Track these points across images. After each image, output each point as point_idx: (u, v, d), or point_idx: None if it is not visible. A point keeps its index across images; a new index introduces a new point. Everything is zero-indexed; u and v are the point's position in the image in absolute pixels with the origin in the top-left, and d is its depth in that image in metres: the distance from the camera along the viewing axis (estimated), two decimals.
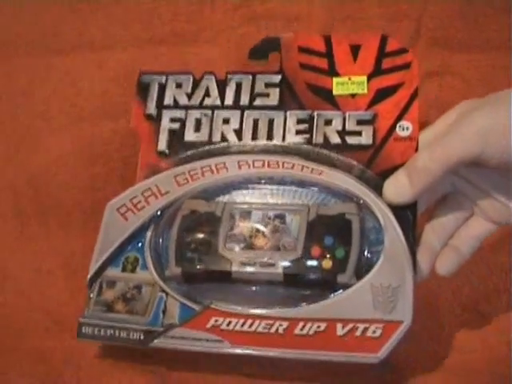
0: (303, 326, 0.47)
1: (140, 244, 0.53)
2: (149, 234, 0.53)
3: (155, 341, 0.49)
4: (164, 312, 0.50)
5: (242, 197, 0.54)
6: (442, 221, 0.53)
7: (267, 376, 0.52)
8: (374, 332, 0.46)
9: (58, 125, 0.63)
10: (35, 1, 0.67)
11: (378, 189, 0.52)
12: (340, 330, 0.47)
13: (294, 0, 0.63)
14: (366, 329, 0.46)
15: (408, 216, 0.51)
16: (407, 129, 0.53)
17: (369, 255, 0.50)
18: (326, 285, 0.48)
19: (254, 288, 0.50)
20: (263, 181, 0.54)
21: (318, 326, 0.47)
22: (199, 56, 0.65)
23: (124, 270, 0.53)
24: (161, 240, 0.53)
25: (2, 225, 0.60)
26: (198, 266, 0.51)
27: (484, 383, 0.49)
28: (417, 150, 0.53)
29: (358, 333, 0.46)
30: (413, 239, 0.50)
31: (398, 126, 0.54)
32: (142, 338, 0.49)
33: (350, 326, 0.47)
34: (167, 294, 0.51)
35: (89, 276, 0.52)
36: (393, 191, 0.50)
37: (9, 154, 0.63)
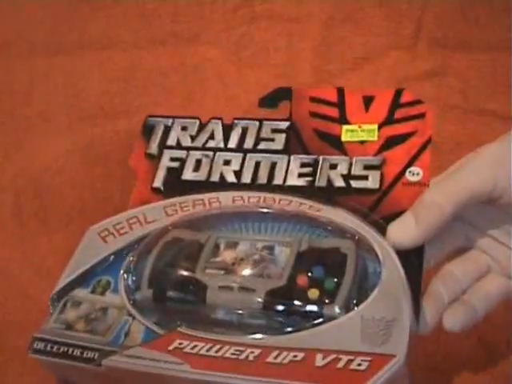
0: (277, 355, 0.41)
1: (116, 268, 0.49)
2: (127, 259, 0.49)
3: (108, 358, 0.42)
4: (126, 334, 0.44)
5: (233, 231, 0.50)
6: (454, 273, 0.47)
7: None
8: (360, 365, 0.39)
9: (58, 125, 0.63)
10: (35, 1, 0.68)
11: (381, 231, 0.47)
12: (319, 361, 0.40)
13: (294, 0, 0.63)
14: (349, 361, 0.39)
15: (413, 261, 0.45)
16: (417, 174, 0.50)
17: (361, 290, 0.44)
18: (311, 316, 0.42)
19: (229, 314, 0.44)
20: (256, 214, 0.50)
21: (295, 356, 0.40)
22: (199, 56, 0.64)
23: (93, 292, 0.48)
24: (138, 265, 0.49)
25: (2, 224, 0.59)
26: (171, 288, 0.45)
27: (484, 383, 0.47)
28: None
29: (339, 364, 0.39)
30: (418, 285, 0.44)
31: (407, 171, 0.50)
32: (95, 357, 0.43)
33: (332, 356, 0.40)
34: (134, 317, 0.45)
35: (53, 292, 0.47)
36: (396, 230, 0.45)
37: (9, 153, 0.63)
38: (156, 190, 0.54)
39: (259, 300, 0.44)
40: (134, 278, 0.48)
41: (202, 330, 0.43)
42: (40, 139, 0.63)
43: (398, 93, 0.54)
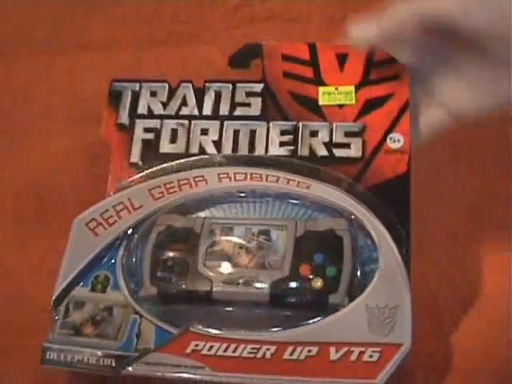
0: (293, 351, 0.43)
1: (111, 262, 0.49)
2: (121, 251, 0.49)
3: (129, 368, 0.44)
4: (138, 336, 0.45)
5: (223, 212, 0.50)
6: None
7: None
8: (371, 356, 0.42)
9: (58, 125, 0.62)
10: (35, 1, 0.67)
11: (368, 204, 0.49)
12: (333, 355, 0.43)
13: (294, 0, 0.61)
14: (361, 353, 0.42)
15: (401, 232, 0.47)
16: (398, 141, 0.50)
17: (361, 274, 0.46)
18: (317, 306, 0.45)
19: (237, 309, 0.46)
20: (244, 194, 0.50)
21: (309, 350, 0.43)
22: (199, 56, 0.63)
23: (93, 289, 0.48)
24: (134, 258, 0.49)
25: (2, 224, 0.59)
26: (176, 286, 0.46)
27: (484, 383, 0.48)
28: (409, 162, 0.50)
29: (353, 357, 0.42)
30: (407, 255, 0.46)
31: (388, 138, 0.50)
32: (113, 364, 0.44)
33: (345, 349, 0.43)
34: (141, 316, 0.46)
35: (53, 297, 0.47)
36: (357, 28, 0.46)
37: (9, 153, 0.62)
38: (134, 166, 0.53)
39: (265, 293, 0.45)
40: (133, 273, 0.48)
41: (215, 328, 0.45)
42: (40, 139, 0.61)
43: (372, 50, 0.53)
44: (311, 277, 0.45)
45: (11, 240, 0.58)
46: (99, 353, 0.45)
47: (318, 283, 0.45)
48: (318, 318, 0.45)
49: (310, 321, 0.45)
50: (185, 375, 0.43)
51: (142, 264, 0.48)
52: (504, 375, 0.47)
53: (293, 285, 0.45)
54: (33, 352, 0.46)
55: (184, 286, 0.46)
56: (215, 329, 0.45)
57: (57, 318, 0.47)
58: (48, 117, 0.63)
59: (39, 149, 0.61)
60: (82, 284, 0.48)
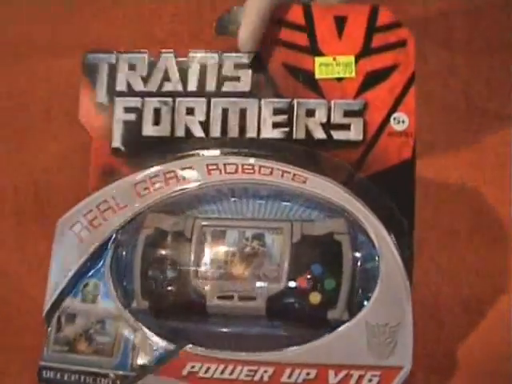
0: (291, 373, 0.42)
1: (100, 269, 0.46)
2: (109, 256, 0.46)
3: None
4: (133, 349, 0.44)
5: (216, 208, 0.47)
6: None
7: None
8: (371, 380, 0.41)
9: (58, 125, 0.62)
10: (35, 1, 0.68)
11: (369, 195, 0.45)
12: (332, 378, 0.42)
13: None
14: (361, 377, 0.42)
15: (403, 224, 0.44)
16: (403, 122, 0.46)
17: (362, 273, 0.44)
18: (315, 322, 0.43)
19: (233, 325, 0.44)
20: (236, 193, 0.46)
21: (308, 373, 0.42)
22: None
23: (84, 300, 0.46)
24: (124, 263, 0.46)
25: (2, 224, 0.59)
26: (168, 301, 0.44)
27: (484, 383, 0.48)
28: (414, 146, 0.46)
29: (352, 381, 0.42)
30: (410, 251, 0.44)
31: (392, 118, 0.46)
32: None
33: (344, 372, 0.42)
34: (135, 329, 0.45)
35: (44, 312, 0.45)
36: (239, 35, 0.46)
37: (9, 153, 0.62)
38: (116, 151, 0.49)
39: (261, 307, 0.44)
40: (123, 280, 0.46)
41: (210, 348, 0.44)
42: (40, 139, 0.61)
43: (374, 11, 0.47)
44: (309, 291, 0.43)
45: (10, 240, 0.58)
46: (96, 372, 0.44)
47: (316, 298, 0.43)
48: (318, 337, 0.43)
49: (310, 339, 0.43)
50: None
51: (133, 272, 0.46)
52: (504, 375, 0.47)
53: (290, 300, 0.43)
54: (33, 352, 0.46)
55: (177, 301, 0.44)
56: (212, 347, 0.43)
57: (50, 330, 0.45)
58: (48, 117, 0.63)
59: (39, 149, 0.61)
60: (72, 294, 0.46)
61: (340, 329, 0.43)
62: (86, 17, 0.66)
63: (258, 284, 0.44)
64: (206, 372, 0.43)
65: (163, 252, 0.46)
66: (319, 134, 0.47)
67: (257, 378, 0.42)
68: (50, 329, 0.46)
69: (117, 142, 0.49)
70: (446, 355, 0.48)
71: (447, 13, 0.57)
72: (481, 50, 0.56)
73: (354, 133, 0.46)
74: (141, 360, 0.44)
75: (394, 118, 0.46)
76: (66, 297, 0.46)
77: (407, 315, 0.42)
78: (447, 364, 0.48)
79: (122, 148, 0.49)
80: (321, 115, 0.47)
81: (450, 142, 0.54)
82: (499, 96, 0.54)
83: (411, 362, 0.41)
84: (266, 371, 0.42)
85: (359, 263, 0.44)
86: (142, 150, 0.48)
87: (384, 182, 0.46)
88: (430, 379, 0.48)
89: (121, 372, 0.44)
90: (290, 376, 0.42)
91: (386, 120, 0.46)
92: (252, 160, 0.46)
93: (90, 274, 0.47)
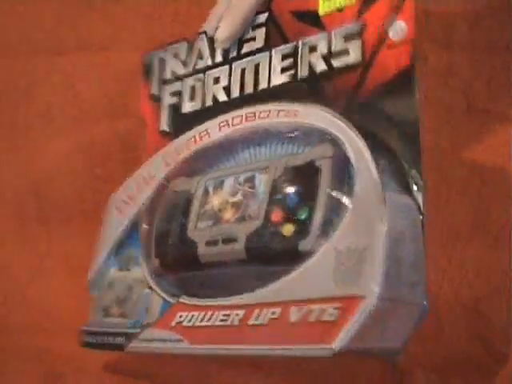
0: (258, 315, 0.37)
1: (136, 238, 0.48)
2: (142, 225, 0.48)
3: (130, 345, 0.43)
4: (147, 310, 0.44)
5: (224, 165, 0.46)
6: None
7: None
8: (331, 315, 0.34)
9: (58, 125, 0.62)
10: (35, 1, 0.67)
11: (369, 113, 0.40)
12: (294, 315, 0.36)
13: None
14: (322, 311, 0.35)
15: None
16: (401, 30, 0.40)
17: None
18: (287, 255, 0.38)
19: (222, 271, 0.42)
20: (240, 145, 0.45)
21: (273, 312, 0.37)
22: None
23: (121, 268, 0.48)
24: (149, 231, 0.48)
25: (2, 225, 0.60)
26: (171, 255, 0.44)
27: (485, 383, 0.45)
28: (413, 52, 0.40)
29: (312, 318, 0.35)
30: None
31: (390, 29, 0.40)
32: (123, 342, 0.44)
33: (305, 308, 0.36)
34: (152, 289, 0.45)
35: (88, 277, 0.48)
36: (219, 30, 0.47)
37: (9, 154, 0.63)
38: (164, 133, 0.51)
39: (242, 248, 0.40)
40: (147, 247, 0.47)
41: (200, 297, 0.41)
42: (40, 139, 0.62)
43: None
44: (282, 223, 0.39)
45: (11, 240, 0.59)
46: (116, 332, 0.45)
47: (289, 229, 0.38)
48: (289, 273, 0.38)
49: (282, 277, 0.38)
50: (166, 351, 0.41)
51: (153, 236, 0.46)
52: (504, 375, 0.44)
53: (265, 236, 0.39)
54: (33, 352, 0.48)
55: (176, 254, 0.44)
56: (202, 297, 0.41)
57: (94, 299, 0.48)
58: (48, 117, 0.63)
59: (39, 149, 0.62)
60: (113, 264, 0.48)
61: (308, 261, 0.37)
62: (86, 16, 0.65)
63: (241, 225, 0.41)
64: (189, 321, 0.41)
65: (173, 211, 0.46)
66: (320, 67, 0.44)
67: (229, 322, 0.39)
68: (93, 295, 0.48)
69: (164, 125, 0.51)
70: (446, 355, 0.46)
71: (447, 13, 0.53)
72: (481, 50, 0.52)
73: (353, 55, 0.42)
74: (151, 318, 0.44)
75: (393, 29, 0.41)
76: (107, 267, 0.49)
77: (377, 238, 0.35)
78: (447, 364, 0.46)
79: (167, 129, 0.51)
80: (322, 47, 0.44)
81: (450, 142, 0.50)
82: (499, 96, 0.50)
83: (378, 292, 0.34)
84: (237, 314, 0.38)
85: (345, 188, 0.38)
86: (182, 127, 0.50)
87: (385, 93, 0.40)
88: (430, 379, 0.46)
89: (132, 330, 0.44)
90: (257, 317, 0.37)
91: (385, 33, 0.41)
92: (254, 108, 0.45)
93: (127, 243, 0.48)
